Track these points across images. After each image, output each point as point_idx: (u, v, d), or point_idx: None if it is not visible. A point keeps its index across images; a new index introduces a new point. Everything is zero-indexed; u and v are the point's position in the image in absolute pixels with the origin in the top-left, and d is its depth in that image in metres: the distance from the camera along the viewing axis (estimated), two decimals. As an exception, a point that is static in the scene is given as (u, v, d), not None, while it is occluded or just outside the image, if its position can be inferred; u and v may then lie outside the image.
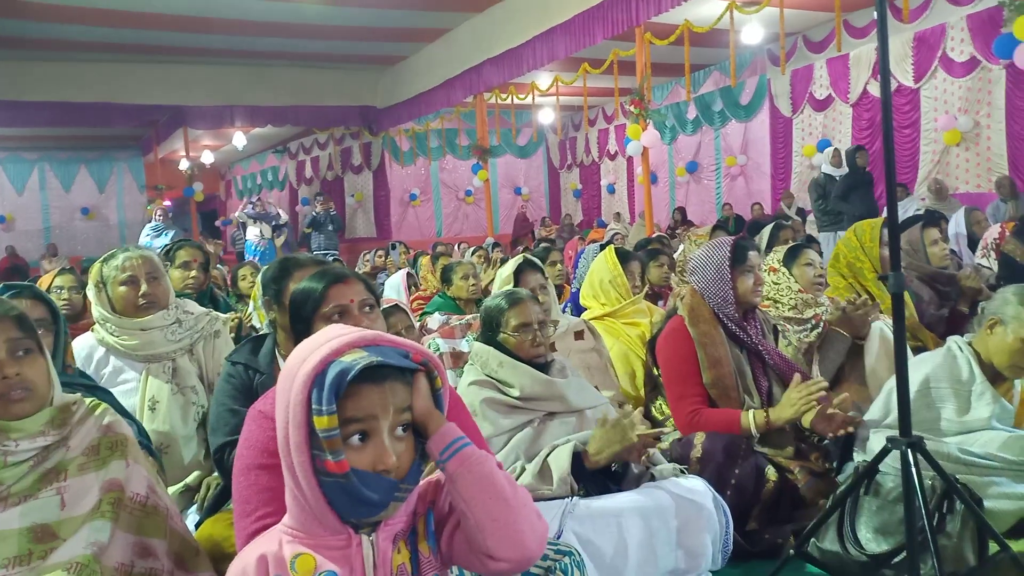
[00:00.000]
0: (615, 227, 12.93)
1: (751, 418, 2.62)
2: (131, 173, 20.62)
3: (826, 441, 2.69)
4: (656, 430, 2.25)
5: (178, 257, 3.69)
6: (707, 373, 2.72)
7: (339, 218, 14.25)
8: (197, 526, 2.14)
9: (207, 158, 17.88)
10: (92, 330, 2.77)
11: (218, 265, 7.72)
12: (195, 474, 2.58)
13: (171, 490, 2.43)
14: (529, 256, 3.54)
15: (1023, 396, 2.61)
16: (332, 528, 1.16)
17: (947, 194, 9.67)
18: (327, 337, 1.17)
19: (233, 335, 3.25)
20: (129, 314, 2.72)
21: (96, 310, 2.73)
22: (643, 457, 2.24)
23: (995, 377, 2.53)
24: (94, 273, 2.75)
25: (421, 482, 1.25)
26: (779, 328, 3.05)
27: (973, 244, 5.47)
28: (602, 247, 4.28)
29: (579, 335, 3.38)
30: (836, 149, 10.23)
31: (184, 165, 15.79)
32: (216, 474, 2.38)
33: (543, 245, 9.25)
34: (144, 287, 2.70)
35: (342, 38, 12.82)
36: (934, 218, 4.28)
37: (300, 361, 1.15)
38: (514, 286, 3.27)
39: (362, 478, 1.12)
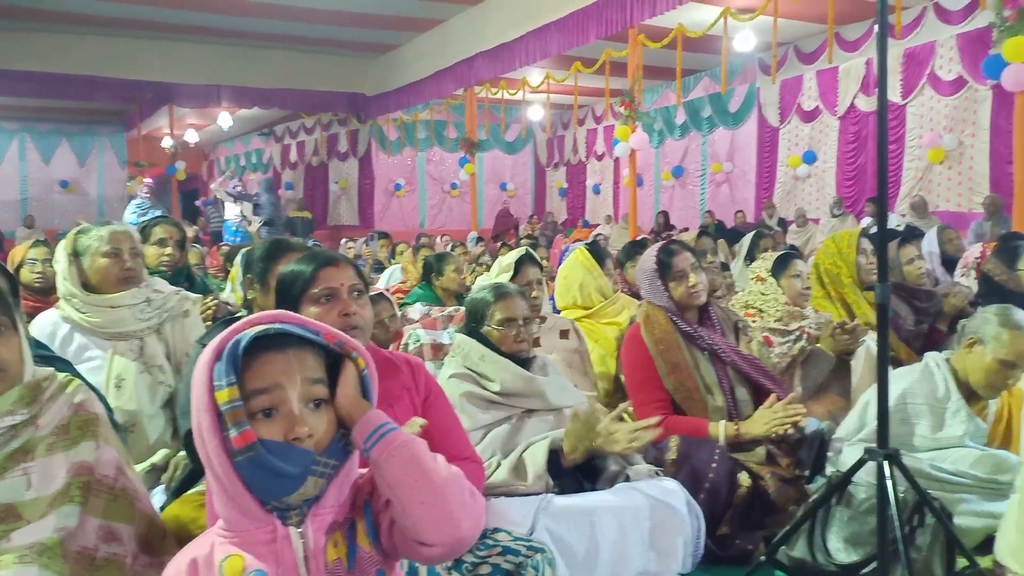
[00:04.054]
0: (603, 229, 12.95)
1: (720, 429, 2.63)
2: (113, 148, 20.37)
3: (800, 449, 2.71)
4: (645, 422, 2.22)
5: (154, 234, 3.61)
6: (668, 379, 2.74)
7: (309, 222, 14.23)
8: (163, 507, 2.11)
9: (191, 137, 17.69)
10: (56, 307, 2.72)
11: (195, 244, 7.65)
12: (162, 453, 2.55)
13: (137, 468, 2.39)
14: (531, 250, 3.52)
15: (997, 415, 2.63)
16: (256, 518, 1.11)
17: (928, 211, 9.75)
18: (233, 325, 1.15)
19: (209, 321, 3.20)
20: (106, 287, 2.68)
21: (63, 285, 2.68)
22: (627, 449, 2.22)
23: (970, 395, 2.55)
24: (67, 244, 2.70)
25: (360, 475, 1.21)
26: (740, 325, 3.04)
27: (946, 261, 5.52)
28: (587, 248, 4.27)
29: (564, 334, 3.37)
30: None
31: (167, 143, 15.60)
32: (183, 454, 2.35)
33: (525, 240, 9.26)
34: (128, 261, 2.68)
35: (334, 23, 12.72)
36: (911, 236, 4.32)
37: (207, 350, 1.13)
38: (513, 276, 3.27)
39: (273, 448, 1.08)
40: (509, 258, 3.42)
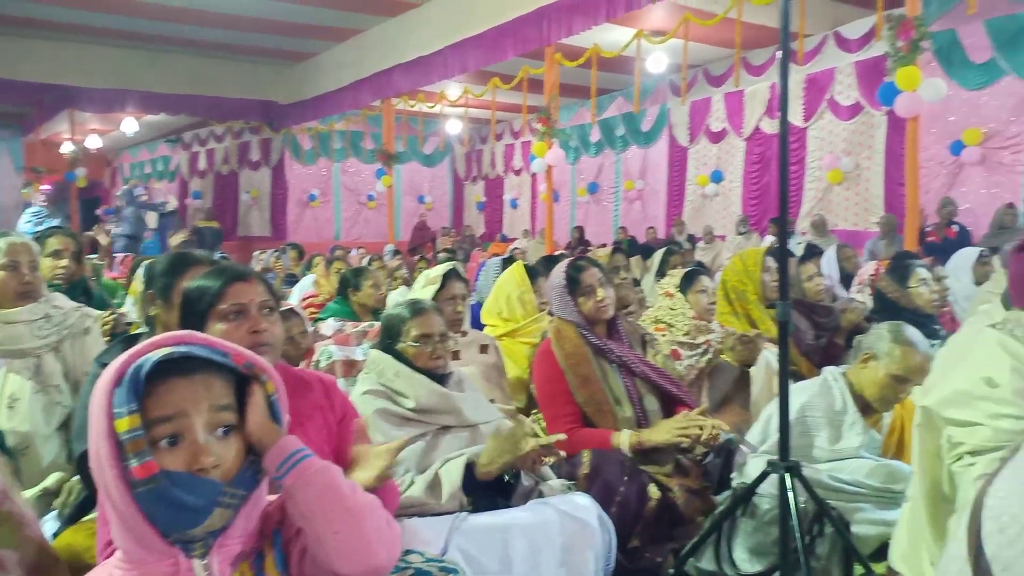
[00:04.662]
0: (521, 243, 13.04)
1: (622, 439, 2.68)
2: (8, 153, 19.27)
3: (707, 459, 2.78)
4: (552, 437, 2.24)
5: (48, 245, 3.45)
6: (578, 392, 2.78)
7: (217, 232, 13.90)
8: (56, 534, 2.01)
9: (93, 143, 16.93)
10: None
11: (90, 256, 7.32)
12: (55, 476, 2.41)
13: (28, 493, 2.26)
14: (458, 266, 3.53)
15: (890, 427, 2.76)
16: (157, 551, 1.05)
17: (827, 230, 10.19)
18: (136, 346, 1.09)
19: (108, 337, 3.07)
20: (3, 302, 2.55)
21: None
22: (536, 466, 2.24)
23: (866, 408, 2.66)
24: None
25: (269, 501, 1.17)
26: (647, 338, 3.12)
27: (844, 278, 5.78)
28: (504, 262, 4.31)
29: (484, 348, 3.38)
30: None
31: (68, 148, 14.90)
32: (78, 478, 2.24)
33: (443, 254, 9.24)
34: (27, 275, 2.56)
35: (248, 29, 12.44)
36: (811, 253, 4.52)
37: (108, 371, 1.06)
38: (439, 289, 3.26)
39: (176, 480, 1.03)
40: (437, 271, 3.44)
